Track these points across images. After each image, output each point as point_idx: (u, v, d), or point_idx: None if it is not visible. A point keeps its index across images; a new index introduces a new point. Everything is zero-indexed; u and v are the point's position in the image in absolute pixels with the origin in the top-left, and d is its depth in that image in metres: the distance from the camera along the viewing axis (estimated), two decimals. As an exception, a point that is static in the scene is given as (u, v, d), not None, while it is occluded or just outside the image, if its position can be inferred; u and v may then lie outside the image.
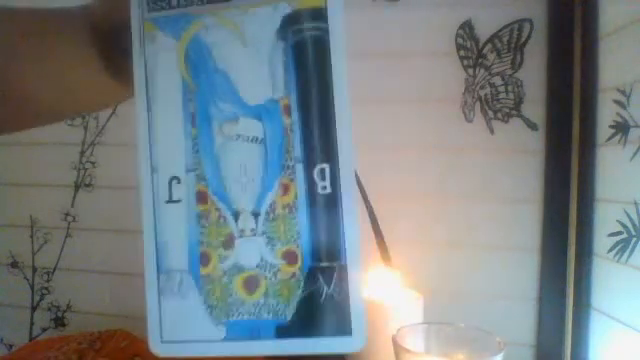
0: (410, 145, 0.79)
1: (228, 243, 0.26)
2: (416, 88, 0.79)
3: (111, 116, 0.90)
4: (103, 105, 0.39)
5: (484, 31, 0.77)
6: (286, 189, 0.25)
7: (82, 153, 0.92)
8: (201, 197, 0.26)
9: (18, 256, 0.95)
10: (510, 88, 0.76)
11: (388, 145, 0.80)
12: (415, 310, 0.60)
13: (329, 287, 0.24)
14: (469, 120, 0.78)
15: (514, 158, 0.76)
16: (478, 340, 0.48)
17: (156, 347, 0.25)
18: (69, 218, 0.93)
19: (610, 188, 0.67)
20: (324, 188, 0.25)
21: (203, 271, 0.26)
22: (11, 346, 0.96)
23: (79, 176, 0.92)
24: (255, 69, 0.26)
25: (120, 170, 0.89)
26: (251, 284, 0.25)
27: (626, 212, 0.62)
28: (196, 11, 0.26)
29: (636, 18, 0.62)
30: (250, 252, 0.25)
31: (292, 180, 0.25)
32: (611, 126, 0.66)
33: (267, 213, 0.25)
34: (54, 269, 0.94)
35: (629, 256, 0.62)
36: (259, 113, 0.26)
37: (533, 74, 0.75)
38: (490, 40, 0.77)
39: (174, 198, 0.26)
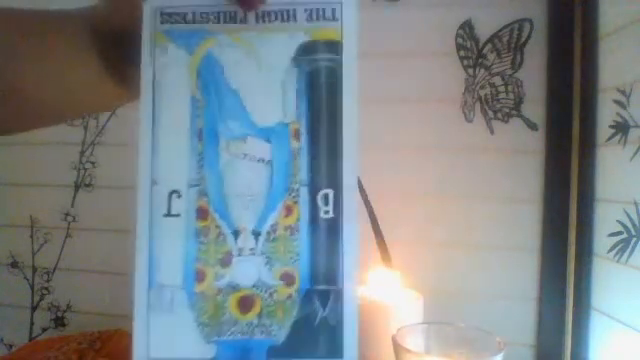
0: (410, 145, 0.79)
1: (225, 261, 0.26)
2: (416, 88, 0.79)
3: (111, 116, 0.90)
4: (104, 107, 0.39)
5: (484, 31, 0.77)
6: (289, 211, 0.26)
7: (82, 153, 0.92)
8: (202, 213, 0.26)
9: (18, 256, 0.95)
10: (510, 88, 0.76)
11: (388, 145, 0.80)
12: (415, 310, 0.60)
13: (324, 310, 0.25)
14: (469, 120, 0.78)
15: (514, 158, 0.76)
16: (478, 340, 0.48)
17: None
18: (69, 218, 0.93)
19: (610, 188, 0.67)
20: (327, 213, 0.25)
21: (197, 288, 0.25)
22: (11, 346, 0.96)
23: (79, 176, 0.92)
24: (267, 92, 0.26)
25: (120, 170, 0.89)
26: (246, 304, 0.25)
27: (626, 212, 0.62)
28: (211, 28, 0.26)
29: (636, 18, 0.62)
30: (247, 271, 0.25)
31: (296, 203, 0.26)
32: (611, 126, 0.66)
33: (268, 233, 0.26)
34: (54, 269, 0.94)
35: (629, 256, 0.62)
36: (268, 135, 0.26)
37: (533, 74, 0.75)
38: (490, 40, 0.77)
39: (173, 212, 0.26)
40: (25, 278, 0.95)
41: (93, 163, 0.92)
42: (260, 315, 0.25)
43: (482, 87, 0.77)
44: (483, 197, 0.77)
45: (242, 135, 0.26)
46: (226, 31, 0.26)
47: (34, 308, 0.95)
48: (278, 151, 0.26)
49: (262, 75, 0.26)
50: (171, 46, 0.27)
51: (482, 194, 0.77)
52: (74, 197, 0.93)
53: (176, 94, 0.26)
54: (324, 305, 0.25)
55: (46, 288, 0.94)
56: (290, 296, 0.25)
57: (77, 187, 0.92)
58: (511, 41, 0.76)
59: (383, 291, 0.62)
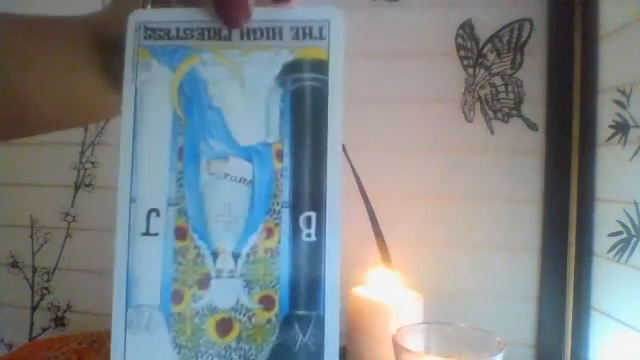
0: (410, 145, 0.79)
1: (203, 283, 0.25)
2: (416, 88, 0.79)
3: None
4: (104, 114, 0.39)
5: (484, 31, 0.77)
6: (270, 233, 0.25)
7: (82, 153, 0.92)
8: (180, 233, 0.25)
9: (18, 256, 0.95)
10: (510, 88, 0.76)
11: (388, 145, 0.80)
12: (415, 310, 0.60)
13: (304, 336, 0.24)
14: (469, 120, 0.78)
15: (514, 158, 0.76)
16: (478, 340, 0.48)
17: None
18: (69, 218, 0.93)
19: (610, 188, 0.67)
20: (309, 236, 0.25)
21: (175, 309, 0.25)
22: (11, 346, 0.96)
23: (79, 176, 0.92)
24: (251, 111, 0.26)
25: (120, 170, 0.88)
26: (224, 327, 0.25)
27: (626, 212, 0.62)
28: (195, 45, 0.26)
29: (636, 18, 0.62)
30: (226, 294, 0.25)
31: (277, 225, 0.25)
32: (611, 126, 0.66)
33: (248, 255, 0.25)
34: (54, 269, 0.94)
35: (629, 256, 0.62)
36: (250, 155, 0.25)
37: (533, 74, 0.75)
38: (490, 40, 0.77)
39: (151, 231, 0.25)
40: (25, 278, 0.95)
41: (93, 163, 0.92)
42: (239, 339, 0.25)
43: (482, 87, 0.77)
44: (483, 197, 0.77)
45: (223, 154, 0.25)
46: (210, 48, 0.26)
47: (34, 308, 0.95)
48: (260, 171, 0.25)
49: (245, 94, 0.26)
50: (154, 62, 0.26)
51: (482, 194, 0.77)
52: (74, 197, 0.93)
53: (158, 111, 0.26)
54: (304, 331, 0.24)
55: (46, 288, 0.94)
56: (269, 320, 0.25)
57: (77, 187, 0.92)
58: (511, 41, 0.76)
59: (383, 291, 0.62)
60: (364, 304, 0.61)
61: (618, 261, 0.64)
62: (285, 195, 0.25)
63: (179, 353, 0.25)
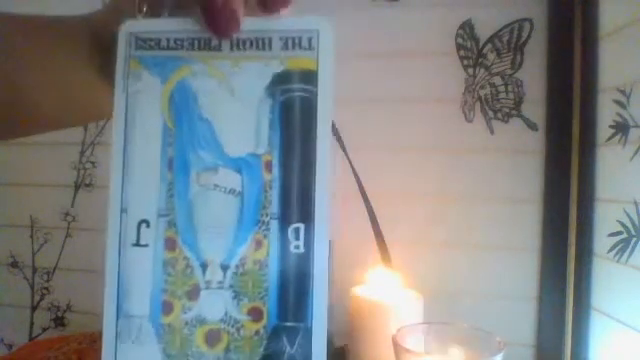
0: (410, 145, 0.79)
1: (193, 294, 0.25)
2: (416, 88, 0.79)
3: (111, 117, 0.90)
4: (103, 114, 0.39)
5: (484, 31, 0.77)
6: (259, 245, 0.25)
7: (82, 153, 0.92)
8: (170, 244, 0.25)
9: (18, 256, 0.95)
10: (510, 88, 0.76)
11: (388, 145, 0.80)
12: (415, 310, 0.60)
13: (292, 348, 0.24)
14: (469, 120, 0.78)
15: (514, 158, 0.76)
16: (478, 340, 0.48)
17: None
18: (69, 218, 0.93)
19: (610, 188, 0.67)
20: (297, 247, 0.25)
21: (164, 320, 0.25)
22: (11, 346, 0.96)
23: (79, 176, 0.92)
24: (240, 122, 0.26)
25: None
26: (213, 338, 0.25)
27: (626, 212, 0.62)
28: (185, 55, 0.26)
29: (636, 18, 0.62)
30: (215, 305, 0.25)
31: (266, 236, 0.25)
32: (611, 126, 0.66)
33: (237, 267, 0.25)
34: (54, 269, 0.94)
35: (629, 256, 0.62)
36: (239, 166, 0.25)
37: (533, 74, 0.75)
38: (490, 40, 0.77)
39: (141, 242, 0.25)
40: (25, 278, 0.95)
41: (93, 163, 0.92)
42: (227, 350, 0.25)
43: (482, 87, 0.77)
44: (483, 197, 0.77)
45: (213, 166, 0.25)
46: (200, 59, 0.26)
47: (34, 308, 0.95)
48: (249, 183, 0.25)
49: (235, 105, 0.26)
50: (145, 73, 0.26)
51: (482, 194, 0.77)
52: (74, 197, 0.93)
53: (148, 122, 0.26)
54: (292, 342, 0.24)
55: (46, 288, 0.94)
56: (258, 332, 0.25)
57: (77, 187, 0.92)
58: (511, 41, 0.76)
59: (383, 291, 0.62)
60: (364, 304, 0.61)
61: (618, 261, 0.64)
62: (274, 207, 0.25)
63: None
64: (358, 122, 0.79)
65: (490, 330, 0.48)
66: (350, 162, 0.64)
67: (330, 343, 0.25)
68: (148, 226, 0.25)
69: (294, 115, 0.25)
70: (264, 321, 0.25)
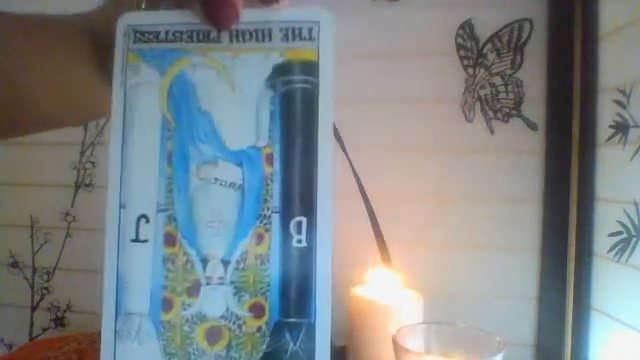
0: (410, 145, 0.79)
1: (193, 290, 0.25)
2: (416, 88, 0.79)
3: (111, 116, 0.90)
4: (102, 113, 0.39)
5: (484, 31, 0.77)
6: (260, 239, 0.24)
7: (82, 153, 0.92)
8: (170, 239, 0.25)
9: (18, 256, 0.95)
10: (510, 88, 0.76)
11: (388, 145, 0.80)
12: (415, 310, 0.60)
13: (295, 344, 0.24)
14: (469, 120, 0.78)
15: (514, 158, 0.76)
16: (478, 340, 0.48)
17: None
18: (69, 218, 0.93)
19: (610, 188, 0.67)
20: (299, 242, 0.24)
21: (164, 317, 0.24)
22: (11, 346, 0.96)
23: (79, 176, 0.92)
24: (240, 114, 0.25)
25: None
26: (214, 335, 0.24)
27: (626, 212, 0.62)
28: (184, 48, 0.26)
29: (636, 18, 0.62)
30: (216, 301, 0.24)
31: (267, 230, 0.24)
32: (611, 126, 0.66)
33: (238, 262, 0.24)
34: (54, 269, 0.94)
35: (629, 256, 0.62)
36: (240, 159, 0.25)
37: (533, 74, 0.75)
38: (490, 40, 0.77)
39: (141, 238, 0.25)
40: (25, 278, 0.95)
41: (93, 163, 0.92)
42: (228, 347, 0.24)
43: (482, 87, 0.77)
44: (483, 197, 0.77)
45: (213, 159, 0.25)
46: (199, 51, 0.25)
47: (34, 308, 0.95)
48: (250, 176, 0.25)
49: (235, 97, 0.25)
50: (143, 66, 0.26)
51: (482, 194, 0.77)
52: (74, 197, 0.93)
53: (147, 116, 0.25)
54: (295, 338, 0.24)
55: (46, 288, 0.94)
56: (259, 328, 0.24)
57: (77, 187, 0.92)
58: (511, 41, 0.76)
59: (383, 291, 0.62)
60: (364, 304, 0.61)
61: (618, 261, 0.64)
62: (275, 200, 0.25)
63: None
64: (358, 122, 0.79)
65: (490, 330, 0.48)
66: (350, 162, 0.64)
67: (330, 343, 0.25)
68: (147, 221, 0.25)
69: (295, 107, 0.25)
70: (266, 317, 0.24)
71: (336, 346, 0.65)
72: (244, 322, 0.24)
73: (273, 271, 0.24)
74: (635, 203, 0.61)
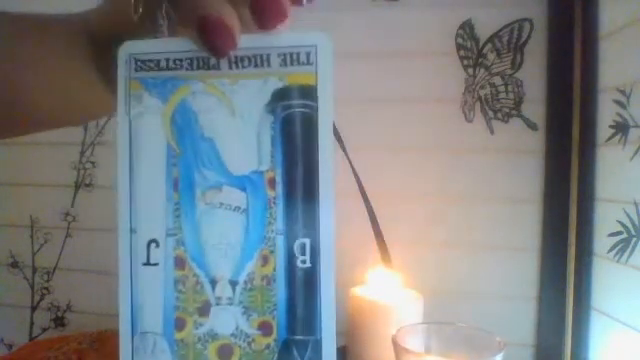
0: (410, 145, 0.79)
1: (204, 310, 0.26)
2: (416, 88, 0.79)
3: (111, 116, 0.90)
4: (100, 113, 0.39)
5: (484, 31, 0.77)
6: (265, 260, 0.25)
7: (82, 153, 0.92)
8: (179, 262, 0.26)
9: (18, 256, 0.95)
10: (510, 88, 0.76)
11: (388, 145, 0.80)
12: (415, 310, 0.60)
13: None
14: (469, 120, 0.78)
15: (514, 158, 0.76)
16: (478, 340, 0.48)
17: None
18: (69, 218, 0.93)
19: (610, 188, 0.67)
20: (303, 262, 0.25)
21: (178, 336, 0.26)
22: (11, 346, 0.96)
23: (79, 176, 0.92)
24: (242, 140, 0.26)
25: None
26: (225, 352, 0.25)
27: (626, 212, 0.62)
28: (185, 76, 0.26)
29: (636, 18, 0.62)
30: (226, 320, 0.26)
31: (272, 252, 0.25)
32: (611, 126, 0.66)
33: (245, 283, 0.25)
34: (54, 269, 0.94)
35: (629, 256, 0.62)
36: (243, 184, 0.26)
37: (533, 74, 0.75)
38: (490, 40, 0.77)
39: (152, 261, 0.26)
40: (25, 278, 0.95)
41: (93, 163, 0.92)
42: None
43: (482, 87, 0.77)
44: (483, 197, 0.77)
45: (217, 184, 0.26)
46: (199, 78, 0.26)
47: (34, 308, 0.95)
48: (253, 200, 0.26)
49: (236, 122, 0.26)
50: (145, 94, 0.26)
51: (482, 194, 0.77)
52: (74, 197, 0.93)
53: (152, 143, 0.26)
54: (302, 355, 0.25)
55: (46, 288, 0.94)
56: (268, 346, 0.25)
57: (77, 187, 0.92)
58: (511, 41, 0.76)
59: (383, 291, 0.62)
60: (364, 304, 0.61)
61: (618, 261, 0.64)
62: (279, 223, 0.25)
63: None
64: (358, 122, 0.79)
65: (490, 330, 0.48)
66: (350, 162, 0.64)
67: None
68: (157, 245, 0.26)
69: (295, 131, 0.26)
70: (274, 335, 0.25)
71: (336, 346, 0.65)
72: (253, 340, 0.25)
73: (279, 291, 0.25)
74: (635, 203, 0.61)
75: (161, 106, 0.26)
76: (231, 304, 0.25)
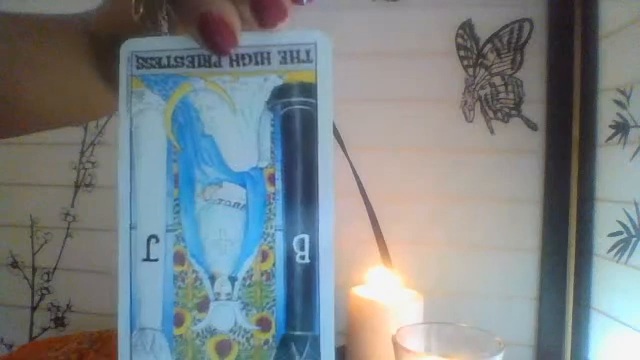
0: (410, 145, 0.79)
1: (203, 305, 0.26)
2: (416, 88, 0.79)
3: (111, 116, 0.90)
4: (102, 113, 0.39)
5: (484, 31, 0.77)
6: (265, 256, 0.26)
7: (82, 153, 0.92)
8: (179, 258, 0.26)
9: (18, 256, 0.95)
10: (510, 88, 0.76)
11: (388, 145, 0.80)
12: (415, 310, 0.60)
13: (301, 356, 0.25)
14: (469, 120, 0.78)
15: (514, 158, 0.76)
16: (478, 340, 0.48)
17: None
18: (69, 218, 0.93)
19: (610, 188, 0.67)
20: (302, 258, 0.25)
21: (176, 331, 0.26)
22: (11, 346, 0.96)
23: (79, 176, 0.92)
24: (242, 136, 0.26)
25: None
26: (224, 348, 0.26)
27: (626, 212, 0.62)
28: (186, 73, 0.26)
29: (636, 18, 0.62)
30: (224, 316, 0.26)
31: (271, 248, 0.26)
32: (611, 126, 0.66)
33: (244, 279, 0.26)
34: (54, 269, 0.94)
35: (629, 256, 0.62)
36: (243, 180, 0.26)
37: (533, 74, 0.75)
38: (490, 40, 0.77)
39: (151, 257, 0.26)
40: (25, 278, 0.95)
41: (93, 163, 0.92)
42: (238, 359, 0.25)
43: (482, 87, 0.77)
44: (483, 197, 0.77)
45: (217, 180, 0.26)
46: (200, 75, 0.26)
47: (34, 308, 0.95)
48: (253, 196, 0.26)
49: (236, 119, 0.26)
50: (147, 92, 0.27)
51: (482, 194, 0.77)
52: (74, 197, 0.93)
53: (153, 140, 0.26)
54: (301, 351, 0.25)
55: (46, 288, 0.94)
56: (267, 341, 0.25)
57: (77, 187, 0.92)
58: (511, 41, 0.76)
59: (383, 291, 0.62)
60: (364, 304, 0.61)
61: (618, 261, 0.64)
62: (278, 219, 0.26)
63: None
64: (358, 122, 0.79)
65: (490, 330, 0.48)
66: (350, 162, 0.64)
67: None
68: (157, 241, 0.26)
69: (295, 128, 0.26)
70: (273, 331, 0.25)
71: (336, 346, 0.65)
72: (252, 335, 0.25)
73: (278, 287, 0.25)
74: (635, 203, 0.61)
75: (162, 103, 0.26)
76: (230, 300, 0.26)
